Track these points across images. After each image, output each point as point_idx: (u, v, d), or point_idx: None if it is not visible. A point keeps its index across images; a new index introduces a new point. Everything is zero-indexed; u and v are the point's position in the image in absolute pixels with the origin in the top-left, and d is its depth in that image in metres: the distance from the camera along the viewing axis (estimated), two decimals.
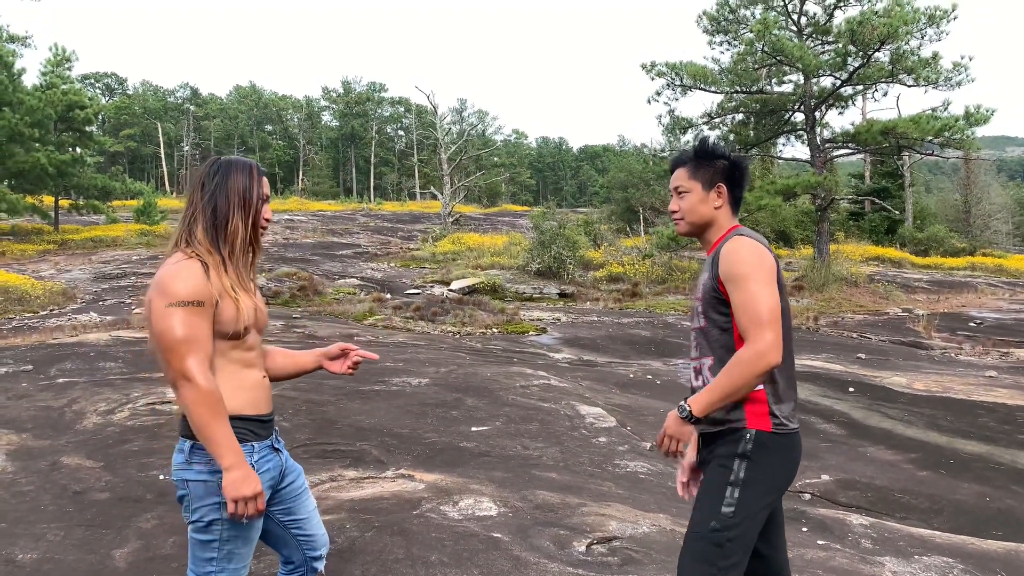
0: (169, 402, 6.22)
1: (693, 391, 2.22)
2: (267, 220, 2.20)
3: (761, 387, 2.10)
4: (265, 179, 2.22)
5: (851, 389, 8.21)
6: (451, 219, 36.10)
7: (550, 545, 3.60)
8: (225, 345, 2.04)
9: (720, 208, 2.28)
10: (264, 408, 2.14)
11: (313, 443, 5.27)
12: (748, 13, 22.25)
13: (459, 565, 3.32)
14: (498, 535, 3.68)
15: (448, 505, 4.08)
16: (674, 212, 2.35)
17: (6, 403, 6.32)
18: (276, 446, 2.19)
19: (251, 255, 2.19)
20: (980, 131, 19.99)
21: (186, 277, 1.98)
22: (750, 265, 2.08)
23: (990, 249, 38.32)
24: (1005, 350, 12.05)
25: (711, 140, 2.35)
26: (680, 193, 2.32)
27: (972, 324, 15.31)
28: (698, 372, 2.24)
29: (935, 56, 19.90)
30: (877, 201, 31.91)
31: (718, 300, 2.15)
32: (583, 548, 3.58)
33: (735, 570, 2.05)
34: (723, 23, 22.44)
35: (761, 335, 2.02)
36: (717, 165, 2.28)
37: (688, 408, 2.09)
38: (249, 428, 2.06)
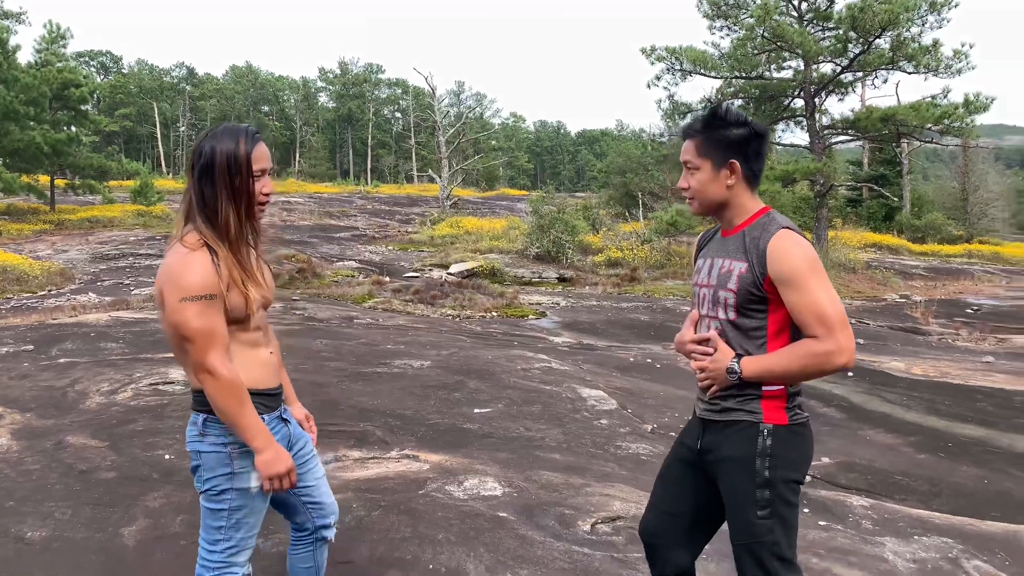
0: (172, 382, 6.24)
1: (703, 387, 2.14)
2: (265, 195, 2.08)
3: None
4: (261, 148, 2.06)
5: (850, 373, 8.25)
6: (449, 203, 36.02)
7: (555, 524, 3.63)
8: (233, 328, 2.07)
9: (734, 186, 2.07)
10: (272, 382, 2.20)
11: (317, 424, 5.28)
12: None
13: (466, 543, 3.35)
14: (504, 514, 3.71)
15: (453, 485, 4.11)
16: (684, 190, 2.14)
17: (8, 383, 6.33)
18: (284, 416, 2.26)
19: (253, 234, 2.13)
20: (979, 119, 19.96)
21: (197, 270, 1.96)
22: (808, 266, 1.96)
23: (987, 237, 38.37)
24: (1002, 336, 12.11)
25: (724, 107, 2.08)
26: (690, 169, 2.11)
27: (969, 310, 15.37)
28: None
29: (936, 43, 19.83)
30: (875, 188, 31.93)
31: (756, 298, 2.02)
32: (588, 527, 3.61)
33: (792, 550, 2.03)
34: (723, 8, 22.30)
35: (835, 336, 1.93)
36: (731, 136, 2.04)
37: (739, 372, 2.01)
38: (259, 401, 2.12)
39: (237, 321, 2.06)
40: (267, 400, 2.16)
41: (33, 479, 4.15)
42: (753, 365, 2.01)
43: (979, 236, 37.79)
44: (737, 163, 2.06)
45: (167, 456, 4.52)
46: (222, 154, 2.01)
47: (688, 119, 2.19)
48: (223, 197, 2.01)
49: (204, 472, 2.10)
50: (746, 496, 2.02)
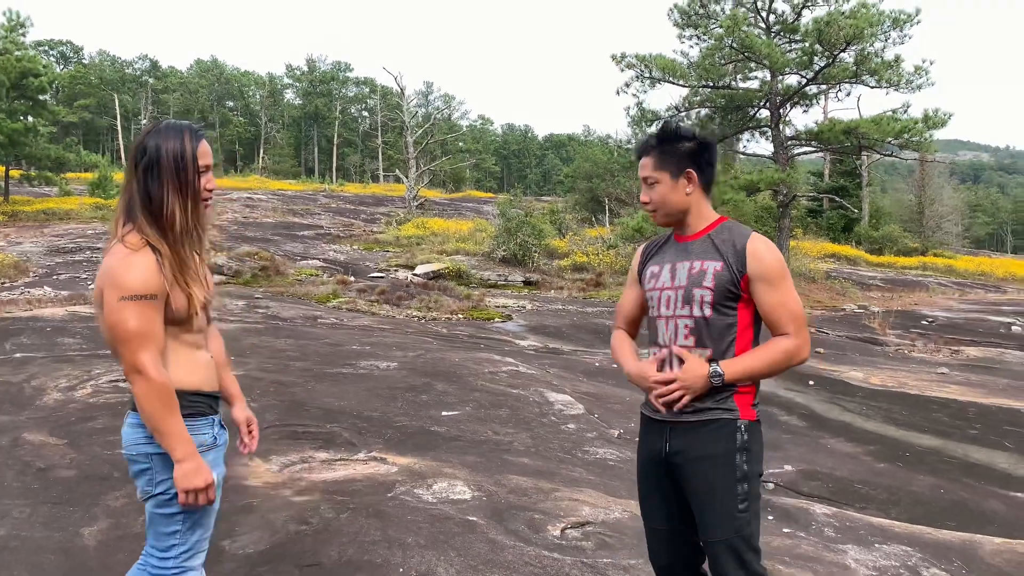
0: None
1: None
2: (209, 190, 2.06)
3: None
4: (204, 145, 2.05)
5: (811, 383, 8.41)
6: (416, 203, 35.87)
7: (525, 529, 3.63)
8: (176, 329, 2.02)
9: (693, 193, 2.20)
10: (216, 385, 2.15)
11: (282, 424, 5.23)
12: (718, 8, 22.41)
13: (436, 548, 3.33)
14: (473, 518, 3.70)
15: (422, 488, 4.09)
16: (646, 204, 2.25)
17: None
18: (223, 423, 2.20)
19: (198, 233, 2.08)
20: (935, 134, 20.50)
21: (139, 269, 1.92)
22: (783, 268, 2.14)
23: (941, 250, 39.41)
24: (956, 348, 12.43)
25: (673, 123, 2.25)
26: (650, 183, 2.22)
27: (924, 322, 15.74)
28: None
29: (897, 59, 20.32)
30: (835, 199, 32.57)
31: (732, 295, 2.13)
32: (557, 532, 3.62)
33: (759, 541, 2.14)
34: (693, 17, 22.55)
35: (801, 332, 2.11)
36: (683, 149, 2.18)
37: (721, 373, 2.07)
38: (206, 403, 2.08)
39: (179, 322, 2.01)
40: (212, 402, 2.12)
41: None
42: (735, 367, 2.10)
43: (934, 249, 38.80)
44: (693, 172, 2.19)
45: None
46: (168, 151, 1.98)
47: (641, 139, 2.27)
48: (169, 195, 1.98)
49: (156, 475, 2.01)
50: (727, 491, 2.08)
